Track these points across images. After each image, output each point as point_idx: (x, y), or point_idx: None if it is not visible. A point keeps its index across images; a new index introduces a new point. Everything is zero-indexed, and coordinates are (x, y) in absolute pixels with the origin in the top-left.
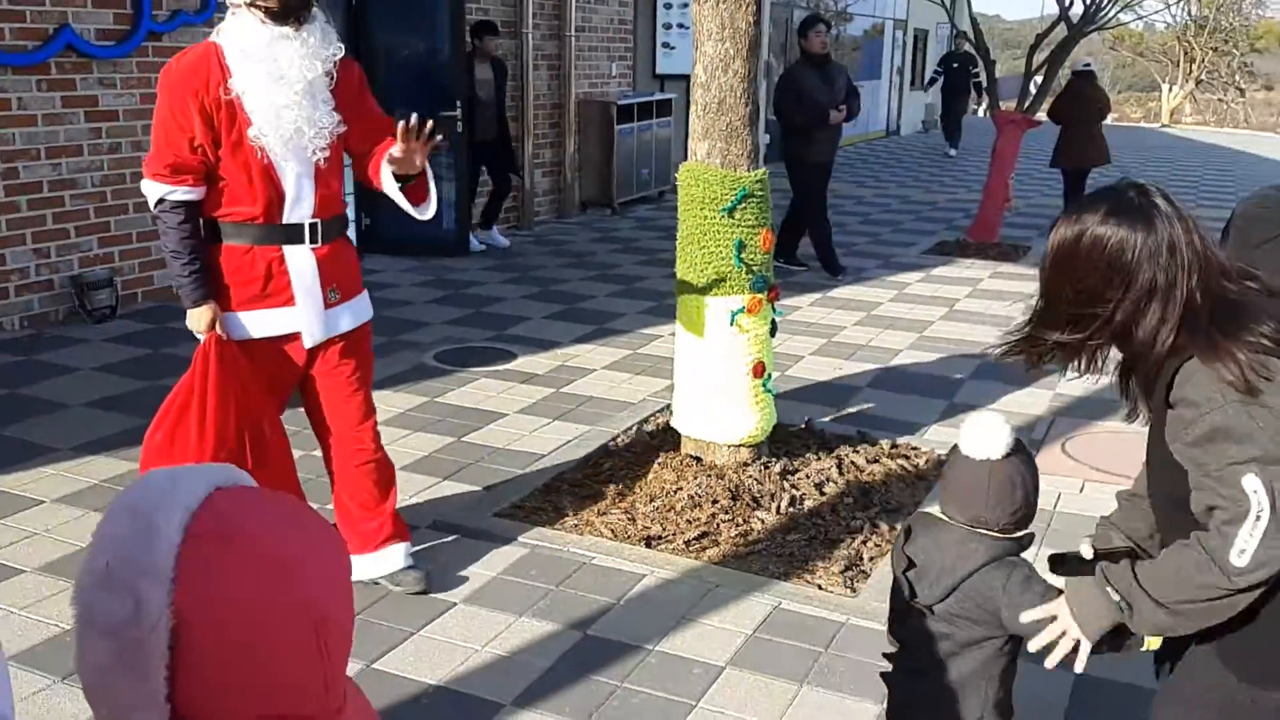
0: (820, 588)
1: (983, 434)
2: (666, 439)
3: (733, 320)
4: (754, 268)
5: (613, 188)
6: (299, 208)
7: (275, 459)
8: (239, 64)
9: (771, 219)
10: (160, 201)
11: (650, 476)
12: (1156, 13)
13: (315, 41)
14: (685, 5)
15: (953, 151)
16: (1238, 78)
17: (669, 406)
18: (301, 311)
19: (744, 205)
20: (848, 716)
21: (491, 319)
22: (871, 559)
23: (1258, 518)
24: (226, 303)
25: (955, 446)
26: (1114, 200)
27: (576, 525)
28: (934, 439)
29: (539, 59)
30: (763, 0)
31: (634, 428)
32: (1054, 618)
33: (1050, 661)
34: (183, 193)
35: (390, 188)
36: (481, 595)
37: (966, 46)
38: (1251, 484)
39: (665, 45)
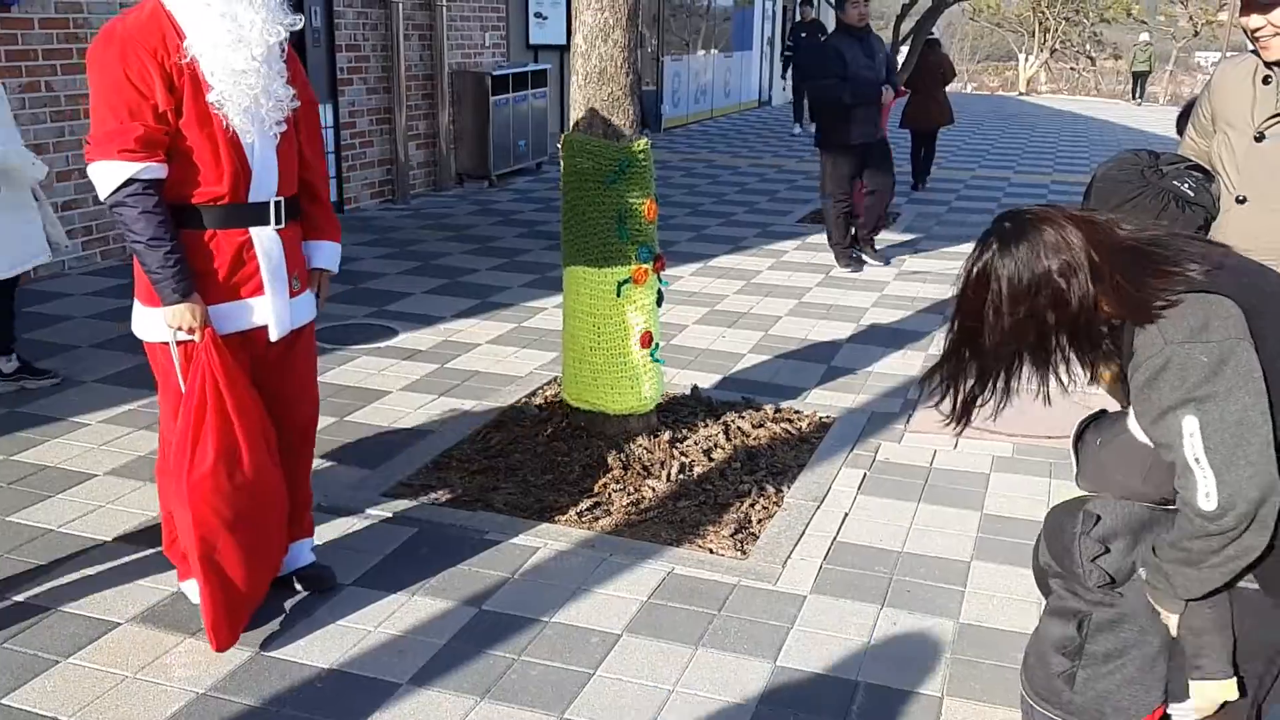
0: (711, 551)
1: None
2: (555, 411)
3: (619, 291)
4: (639, 238)
5: (489, 160)
6: (264, 185)
7: (278, 461)
8: (195, 22)
9: (655, 189)
10: (128, 183)
11: (540, 449)
12: None
13: (274, 5)
14: None
15: (797, 129)
16: (1088, 47)
17: (557, 379)
18: (269, 301)
19: (628, 175)
20: (742, 675)
21: (371, 295)
22: (760, 521)
23: (1196, 460)
24: None
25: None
26: (983, 238)
27: (467, 501)
28: (815, 402)
29: (410, 29)
30: None
31: (522, 401)
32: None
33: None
34: (156, 169)
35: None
36: (372, 576)
37: (813, 14)
38: (1189, 426)
39: (538, 15)
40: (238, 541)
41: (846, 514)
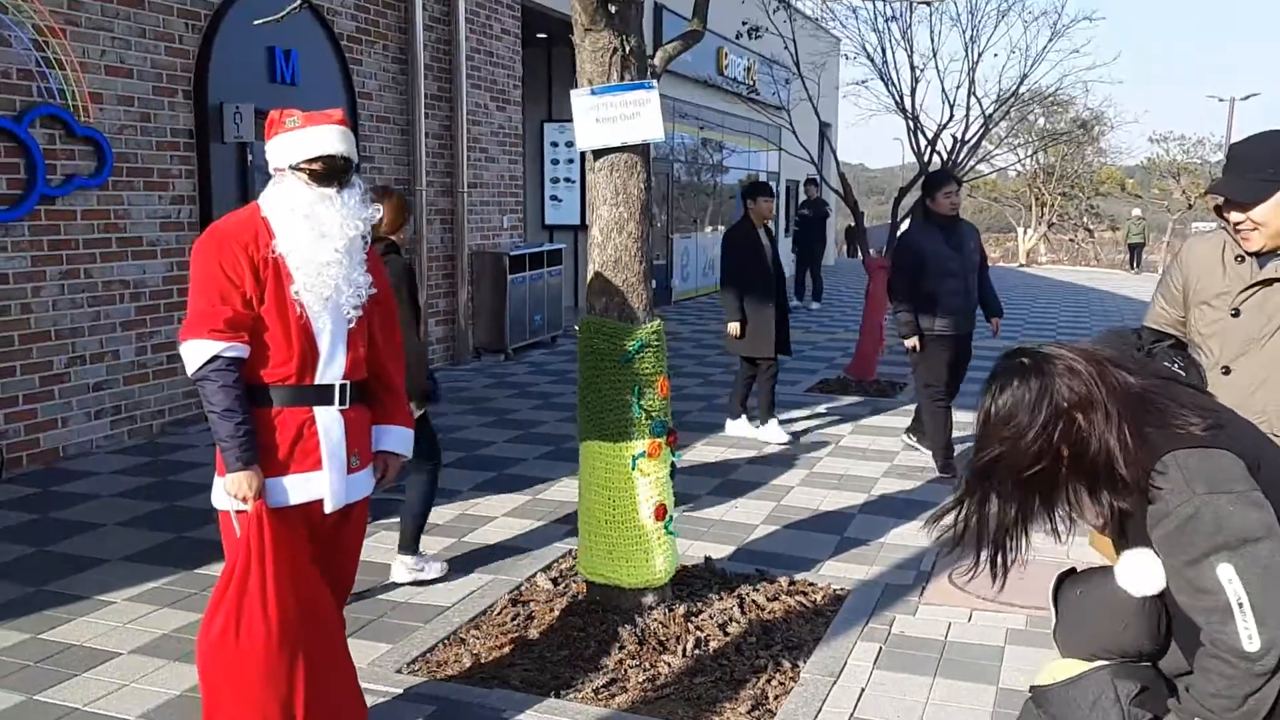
0: None
1: (1149, 572)
2: (571, 585)
3: (634, 465)
4: (652, 413)
5: (506, 334)
6: (331, 368)
7: (333, 636)
8: (283, 224)
9: (665, 367)
10: (213, 359)
11: (556, 624)
12: (1009, 165)
13: (355, 203)
14: (571, 160)
15: (815, 305)
16: (1085, 219)
17: (572, 552)
18: (326, 476)
19: (641, 355)
20: None
21: None
22: (776, 698)
23: (1240, 605)
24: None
25: (1107, 589)
26: (999, 372)
27: (484, 678)
28: (829, 573)
29: (432, 214)
30: (651, 166)
31: (538, 575)
32: None
33: None
34: (239, 349)
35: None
36: None
37: (817, 193)
38: (1226, 573)
39: (553, 198)
40: (247, 712)
41: (863, 689)
